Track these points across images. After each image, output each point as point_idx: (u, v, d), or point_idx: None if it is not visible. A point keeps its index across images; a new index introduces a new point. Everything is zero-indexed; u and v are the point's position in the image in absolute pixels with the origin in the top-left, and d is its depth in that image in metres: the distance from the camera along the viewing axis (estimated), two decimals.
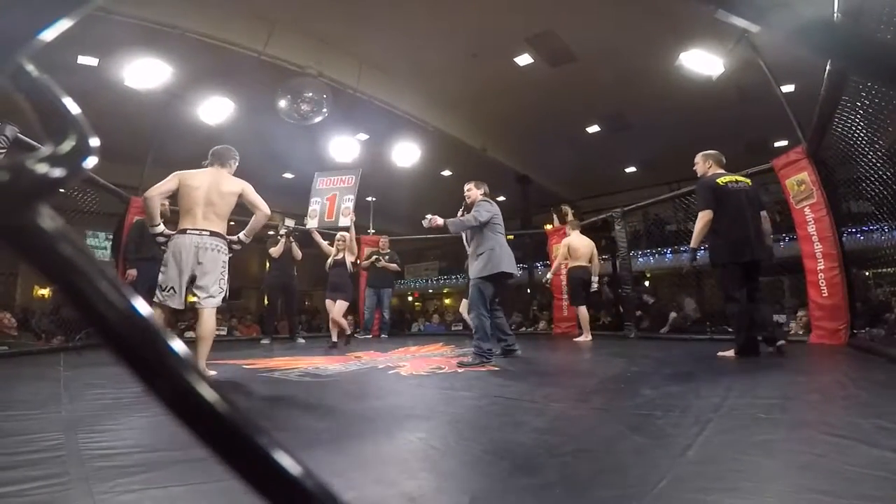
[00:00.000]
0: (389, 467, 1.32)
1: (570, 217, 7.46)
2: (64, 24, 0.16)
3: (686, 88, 6.96)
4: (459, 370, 3.23)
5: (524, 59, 7.24)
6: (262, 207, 3.11)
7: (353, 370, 3.40)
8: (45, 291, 9.31)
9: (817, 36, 0.21)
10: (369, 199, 10.43)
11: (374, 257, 7.14)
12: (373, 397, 2.40)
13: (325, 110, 6.63)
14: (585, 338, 5.72)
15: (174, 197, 3.06)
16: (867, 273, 5.70)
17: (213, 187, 2.99)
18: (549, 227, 8.12)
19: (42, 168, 0.15)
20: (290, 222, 6.42)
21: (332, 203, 6.61)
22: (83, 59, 6.23)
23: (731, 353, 3.42)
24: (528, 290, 11.26)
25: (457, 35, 6.65)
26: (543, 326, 7.97)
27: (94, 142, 0.17)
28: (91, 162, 0.18)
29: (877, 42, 0.20)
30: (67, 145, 0.17)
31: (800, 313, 5.38)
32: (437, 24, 6.44)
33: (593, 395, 2.37)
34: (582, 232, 6.16)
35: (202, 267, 2.89)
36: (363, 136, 8.65)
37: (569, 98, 8.13)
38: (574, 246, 5.90)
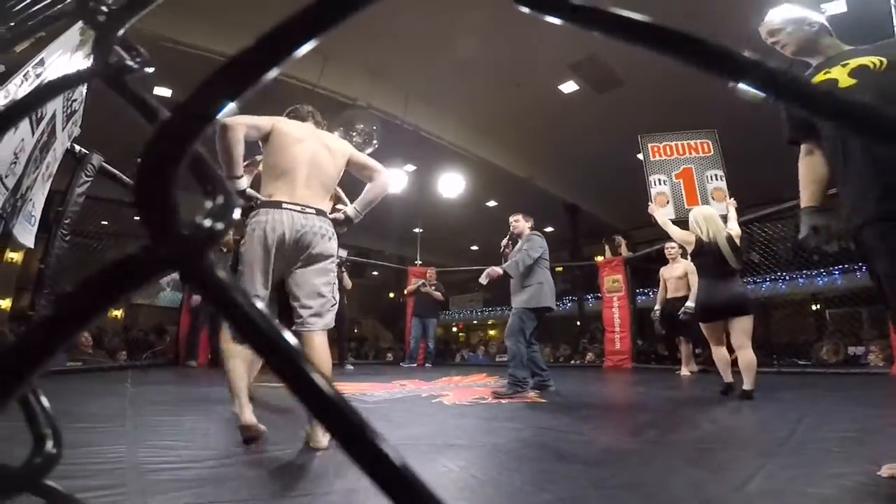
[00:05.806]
0: None
1: (622, 248, 7.21)
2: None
3: (743, 110, 6.70)
4: (503, 401, 3.16)
5: (569, 87, 7.23)
6: (380, 169, 2.10)
7: (398, 397, 3.41)
8: (118, 312, 9.83)
9: (828, 105, 0.22)
10: (416, 230, 10.53)
11: (420, 282, 7.22)
12: (415, 424, 2.38)
13: (375, 142, 6.83)
14: None
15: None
16: None
17: (320, 142, 1.97)
18: (600, 258, 7.85)
19: (209, 223, 0.20)
20: (342, 252, 6.65)
21: (687, 180, 4.56)
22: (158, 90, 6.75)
23: None
24: (578, 323, 10.96)
25: (500, 65, 6.75)
26: (591, 358, 7.67)
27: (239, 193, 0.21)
28: (237, 213, 0.22)
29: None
30: (220, 200, 0.21)
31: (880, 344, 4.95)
32: (480, 55, 6.56)
33: (646, 428, 2.25)
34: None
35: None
36: (410, 167, 8.82)
37: (617, 123, 7.94)
38: None
